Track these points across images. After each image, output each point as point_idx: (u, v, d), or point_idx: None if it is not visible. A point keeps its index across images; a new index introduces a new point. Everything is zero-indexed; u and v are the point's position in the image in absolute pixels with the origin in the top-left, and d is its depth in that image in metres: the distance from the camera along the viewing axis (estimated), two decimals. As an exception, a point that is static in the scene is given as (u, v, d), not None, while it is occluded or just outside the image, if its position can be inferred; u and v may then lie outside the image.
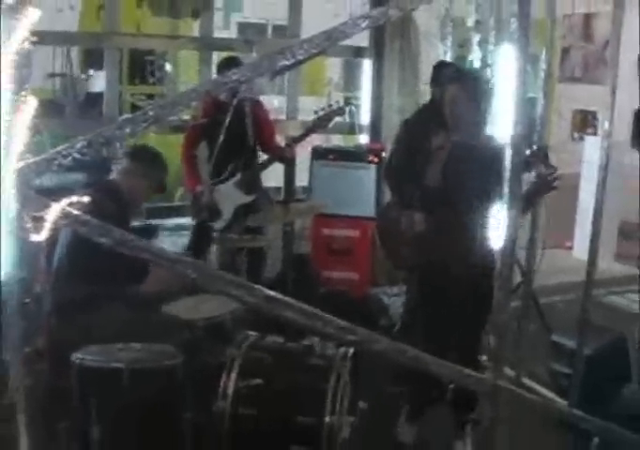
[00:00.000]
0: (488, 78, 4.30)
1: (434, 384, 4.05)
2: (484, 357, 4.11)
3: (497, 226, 3.96)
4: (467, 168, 3.83)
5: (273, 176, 5.72)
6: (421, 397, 4.30)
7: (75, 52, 9.34)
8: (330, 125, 5.31)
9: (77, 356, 3.22)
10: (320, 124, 5.17)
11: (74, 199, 1.88)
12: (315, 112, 5.15)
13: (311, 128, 5.25)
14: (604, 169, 3.95)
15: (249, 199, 5.35)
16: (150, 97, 9.82)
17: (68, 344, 3.37)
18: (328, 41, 1.89)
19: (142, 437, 3.13)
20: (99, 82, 7.98)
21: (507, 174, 2.16)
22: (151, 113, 1.81)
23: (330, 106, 5.18)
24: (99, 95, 7.01)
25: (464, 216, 3.85)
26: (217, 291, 2.08)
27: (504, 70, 5.59)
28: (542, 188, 3.79)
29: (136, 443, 3.14)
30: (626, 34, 3.89)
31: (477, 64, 6.72)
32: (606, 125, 3.88)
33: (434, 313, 4.02)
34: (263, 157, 5.55)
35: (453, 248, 3.87)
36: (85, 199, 2.09)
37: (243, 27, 10.34)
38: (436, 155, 3.93)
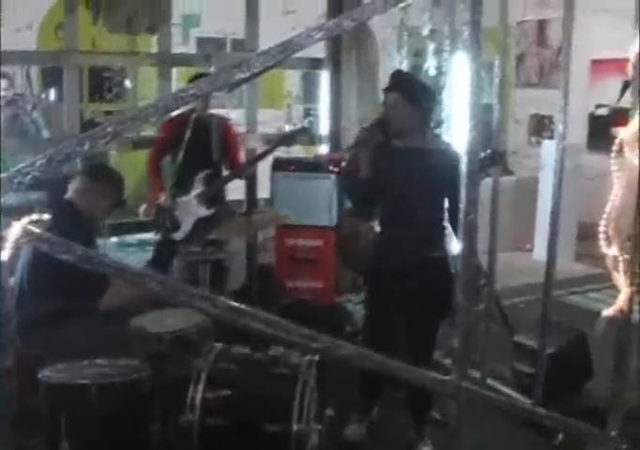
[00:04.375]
0: (428, 84, 4.39)
1: (381, 380, 4.10)
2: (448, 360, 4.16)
3: (449, 229, 4.06)
4: (412, 172, 3.91)
5: (235, 189, 5.74)
6: (369, 393, 4.33)
7: (34, 72, 9.30)
8: (294, 145, 5.44)
9: (44, 374, 3.23)
10: (284, 142, 5.30)
11: (34, 217, 1.90)
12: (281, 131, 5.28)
13: (273, 147, 5.37)
14: (561, 171, 4.02)
15: (208, 212, 5.37)
16: (109, 113, 9.80)
17: (34, 361, 3.37)
18: (284, 53, 1.93)
19: (111, 451, 3.14)
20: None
21: (463, 180, 2.20)
22: (109, 130, 1.83)
23: (295, 125, 5.30)
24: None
25: (413, 219, 3.94)
26: (182, 304, 2.11)
27: (459, 78, 5.66)
28: None
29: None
30: (577, 38, 3.98)
31: (432, 72, 6.80)
32: (560, 128, 3.94)
33: (389, 315, 4.10)
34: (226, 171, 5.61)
35: (403, 254, 3.95)
36: (46, 217, 2.11)
37: (202, 42, 10.31)
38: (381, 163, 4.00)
